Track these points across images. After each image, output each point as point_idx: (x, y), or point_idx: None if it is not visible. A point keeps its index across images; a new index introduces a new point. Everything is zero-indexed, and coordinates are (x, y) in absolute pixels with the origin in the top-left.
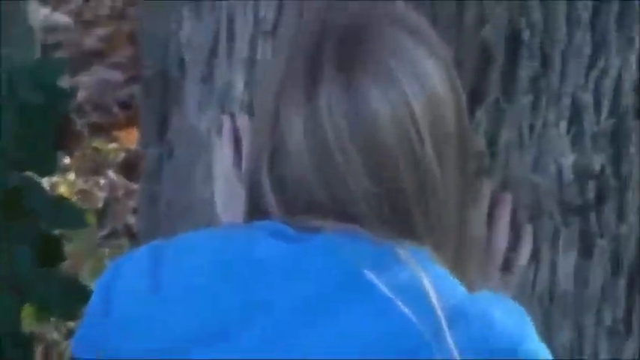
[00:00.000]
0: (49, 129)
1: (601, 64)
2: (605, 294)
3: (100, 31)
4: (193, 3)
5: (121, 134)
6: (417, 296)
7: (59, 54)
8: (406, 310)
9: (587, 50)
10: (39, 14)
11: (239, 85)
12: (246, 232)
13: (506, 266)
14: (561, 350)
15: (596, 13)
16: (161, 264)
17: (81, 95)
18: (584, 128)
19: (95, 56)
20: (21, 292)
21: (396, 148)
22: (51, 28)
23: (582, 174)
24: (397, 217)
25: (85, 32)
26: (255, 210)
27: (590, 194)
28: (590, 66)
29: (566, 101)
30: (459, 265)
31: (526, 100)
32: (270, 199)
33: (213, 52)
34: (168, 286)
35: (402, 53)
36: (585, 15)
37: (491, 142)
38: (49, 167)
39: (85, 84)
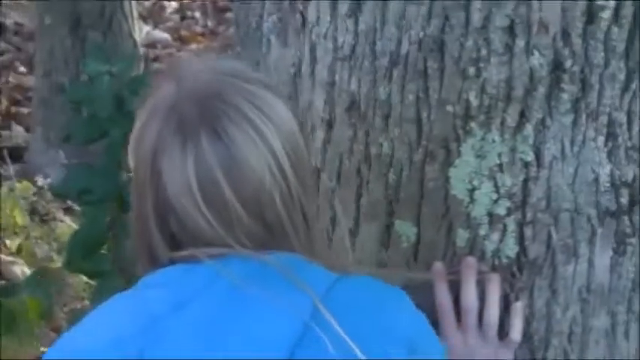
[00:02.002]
0: None
1: (633, 87)
2: (635, 285)
3: (195, 47)
4: (280, 30)
5: None
6: (292, 293)
7: (158, 67)
8: (284, 306)
9: (622, 76)
10: (142, 31)
11: (319, 104)
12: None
13: (502, 336)
14: (598, 333)
15: (629, 43)
16: None
17: None
18: (619, 143)
19: None
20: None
21: (266, 182)
22: (151, 44)
23: (617, 182)
24: (272, 237)
25: (181, 47)
26: (146, 252)
27: (624, 200)
28: (624, 89)
29: (603, 119)
30: (332, 256)
31: (568, 118)
32: (158, 240)
33: (297, 74)
34: None
35: (260, 105)
36: (620, 45)
37: (538, 154)
38: None
39: None
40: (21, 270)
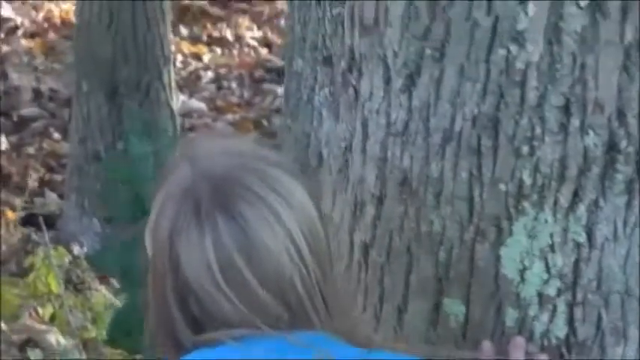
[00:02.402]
0: None
1: None
2: None
3: (230, 117)
4: (332, 104)
5: None
6: None
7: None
8: None
9: None
10: (178, 100)
11: (370, 180)
12: None
13: None
14: None
15: None
16: None
17: None
18: None
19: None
20: None
21: (285, 263)
22: (187, 113)
23: None
24: (293, 317)
25: (217, 117)
26: (170, 339)
27: None
28: None
29: None
30: (358, 332)
31: (622, 199)
32: (181, 325)
33: (348, 149)
34: None
35: (275, 187)
36: None
37: (590, 235)
38: None
39: None
40: (55, 339)
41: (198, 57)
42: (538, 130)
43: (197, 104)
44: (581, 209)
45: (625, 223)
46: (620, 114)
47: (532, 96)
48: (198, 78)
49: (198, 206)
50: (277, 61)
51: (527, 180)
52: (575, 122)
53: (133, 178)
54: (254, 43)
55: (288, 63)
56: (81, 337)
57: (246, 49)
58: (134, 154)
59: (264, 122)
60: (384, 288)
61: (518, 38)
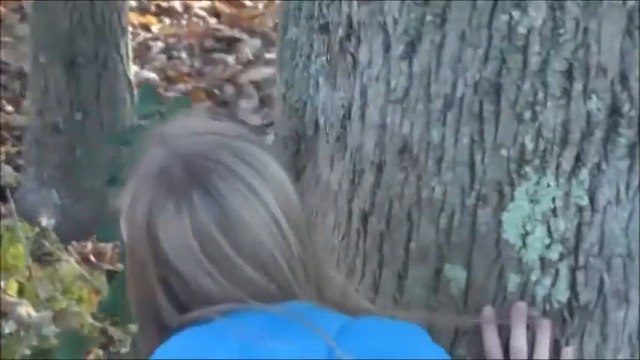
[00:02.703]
0: None
1: None
2: None
3: (182, 87)
4: (329, 72)
5: None
6: (305, 340)
7: None
8: (298, 353)
9: None
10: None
11: (369, 147)
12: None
13: None
14: None
15: None
16: None
17: None
18: None
19: None
20: None
21: (263, 235)
22: (139, 83)
23: None
24: (277, 288)
25: (168, 87)
26: (154, 324)
27: None
28: None
29: None
30: (347, 302)
31: (624, 163)
32: (167, 308)
33: (346, 116)
34: None
35: (249, 161)
36: None
37: (592, 199)
38: None
39: None
40: (26, 311)
41: (147, 28)
42: (540, 95)
43: (148, 74)
44: (584, 173)
45: (627, 187)
46: (623, 78)
47: (534, 61)
48: (148, 48)
49: (173, 185)
50: (226, 31)
51: (530, 145)
52: (577, 87)
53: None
54: (202, 13)
55: (281, 31)
56: (52, 309)
57: (194, 19)
58: (141, 113)
59: (217, 92)
60: (384, 255)
61: (521, 4)
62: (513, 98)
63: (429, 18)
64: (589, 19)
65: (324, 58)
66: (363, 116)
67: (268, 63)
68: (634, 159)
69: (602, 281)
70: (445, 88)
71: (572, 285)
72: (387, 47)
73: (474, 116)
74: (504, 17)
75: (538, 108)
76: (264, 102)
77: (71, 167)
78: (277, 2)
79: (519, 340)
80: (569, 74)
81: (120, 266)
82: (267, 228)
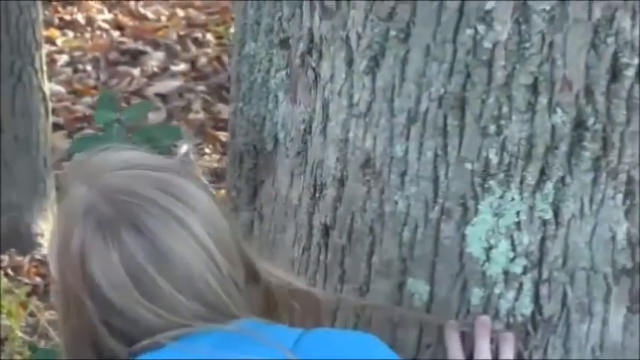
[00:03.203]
0: None
1: None
2: None
3: (89, 99)
4: (289, 86)
5: None
6: (263, 352)
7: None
8: None
9: None
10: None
11: (330, 162)
12: None
13: None
14: None
15: None
16: None
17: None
18: (636, 201)
19: (87, 121)
20: None
21: (196, 267)
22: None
23: (633, 240)
24: (214, 311)
25: (75, 101)
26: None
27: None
28: None
29: (622, 177)
30: (273, 314)
31: (588, 177)
32: (114, 344)
33: (307, 131)
34: None
35: (176, 194)
36: None
37: (557, 212)
38: None
39: None
40: None
41: (51, 41)
42: (505, 109)
43: (55, 88)
44: (548, 187)
45: (591, 200)
46: (588, 92)
47: (500, 75)
48: (54, 62)
49: (101, 223)
50: (130, 43)
51: (494, 159)
52: (542, 100)
53: None
54: (105, 25)
55: (239, 46)
56: None
57: (98, 32)
58: (101, 122)
59: (124, 104)
60: (345, 270)
61: (486, 18)
62: (478, 112)
63: (392, 33)
64: (554, 33)
65: (284, 73)
66: (324, 130)
67: (174, 75)
68: (598, 172)
69: (565, 294)
70: (409, 103)
71: (536, 298)
72: (349, 62)
73: (438, 130)
74: (469, 31)
75: (503, 122)
76: (171, 114)
77: None
78: (180, 16)
79: (483, 353)
80: (534, 88)
81: (38, 280)
82: (198, 258)
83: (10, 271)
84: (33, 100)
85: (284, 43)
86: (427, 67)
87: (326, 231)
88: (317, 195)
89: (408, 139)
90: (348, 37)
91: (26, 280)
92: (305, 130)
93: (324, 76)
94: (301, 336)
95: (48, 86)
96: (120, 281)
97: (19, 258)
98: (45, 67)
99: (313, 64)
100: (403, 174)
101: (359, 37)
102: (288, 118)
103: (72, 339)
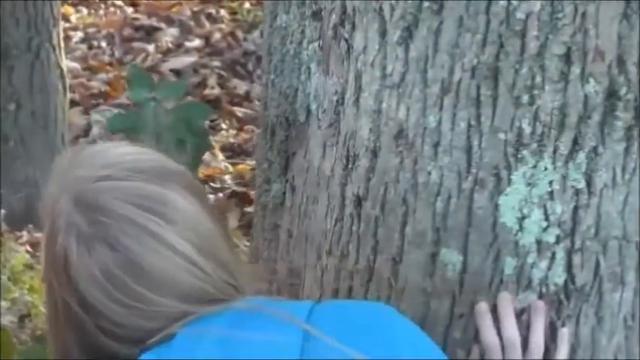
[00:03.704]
0: (198, 164)
1: None
2: None
3: (104, 76)
4: (321, 58)
5: None
6: (278, 327)
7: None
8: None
9: None
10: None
11: (363, 133)
12: None
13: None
14: None
15: None
16: None
17: (94, 131)
18: None
19: (102, 97)
20: None
21: (180, 276)
22: None
23: None
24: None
25: (91, 77)
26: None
27: None
28: None
29: None
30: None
31: (620, 146)
32: (116, 346)
33: (339, 102)
34: None
35: (153, 207)
36: None
37: (589, 182)
38: None
39: (97, 121)
40: None
41: (65, 18)
42: (538, 79)
43: (71, 64)
44: (581, 156)
45: (624, 170)
46: (620, 61)
47: (532, 45)
48: (68, 38)
49: (80, 238)
50: (145, 20)
51: (527, 128)
52: (575, 70)
53: (133, 129)
54: (119, 2)
55: (270, 18)
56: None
57: (112, 9)
58: (135, 100)
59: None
60: (378, 240)
61: None
62: (511, 82)
63: (426, 4)
64: (587, 4)
65: (316, 45)
66: (357, 102)
67: (188, 51)
68: (630, 142)
69: (597, 264)
70: (442, 73)
71: (569, 267)
72: (383, 33)
73: (471, 101)
74: (502, 2)
75: (536, 92)
76: (186, 91)
77: (4, 157)
78: None
79: (510, 329)
80: (567, 58)
81: None
82: (177, 266)
83: (28, 248)
84: (51, 76)
85: (316, 15)
86: (460, 38)
87: (359, 202)
88: (349, 166)
89: (441, 109)
90: (381, 9)
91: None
92: (337, 101)
93: (356, 48)
94: (313, 308)
95: (65, 63)
96: (102, 290)
97: (37, 234)
98: (62, 44)
99: (346, 36)
100: (436, 144)
101: (392, 9)
102: (320, 90)
103: (62, 342)
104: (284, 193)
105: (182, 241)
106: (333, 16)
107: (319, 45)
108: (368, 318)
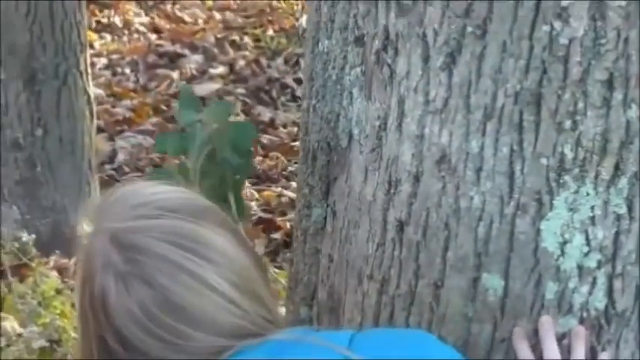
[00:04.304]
0: (242, 185)
1: None
2: None
3: (128, 102)
4: (364, 83)
5: None
6: (319, 354)
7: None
8: None
9: None
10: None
11: (406, 158)
12: None
13: None
14: None
15: None
16: None
17: (120, 157)
18: None
19: (127, 123)
20: None
21: (217, 315)
22: None
23: None
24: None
25: (115, 104)
26: None
27: None
28: None
29: None
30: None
31: None
32: None
33: (382, 127)
34: None
35: (192, 247)
36: None
37: (630, 207)
38: None
39: (122, 147)
40: (11, 326)
41: (89, 44)
42: (581, 105)
43: (95, 91)
44: (623, 182)
45: None
46: None
47: (575, 71)
48: (92, 65)
49: (118, 278)
50: (168, 46)
51: (569, 154)
52: (617, 96)
53: (182, 150)
54: (142, 28)
55: (312, 43)
56: (35, 323)
57: (135, 35)
58: (184, 122)
59: (163, 107)
60: (420, 265)
61: (562, 14)
62: (554, 108)
63: (469, 29)
64: (630, 29)
65: (358, 70)
66: (399, 127)
67: (212, 78)
68: None
69: (638, 289)
70: (485, 99)
71: (610, 292)
72: (426, 58)
73: (514, 126)
74: (545, 28)
75: (578, 117)
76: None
77: (32, 183)
78: (217, 19)
79: (552, 354)
80: (609, 84)
81: None
82: (215, 304)
83: (56, 273)
84: (78, 102)
85: (359, 41)
86: (503, 63)
87: (401, 227)
88: (392, 191)
89: (484, 134)
90: (424, 34)
91: (72, 282)
92: (380, 126)
93: (399, 73)
94: (354, 336)
95: (92, 89)
96: (140, 327)
97: (64, 260)
98: (89, 70)
99: (389, 61)
100: (479, 170)
101: (435, 34)
102: (362, 115)
103: None
104: (325, 218)
105: (220, 280)
106: (376, 41)
107: (362, 70)
108: (409, 346)
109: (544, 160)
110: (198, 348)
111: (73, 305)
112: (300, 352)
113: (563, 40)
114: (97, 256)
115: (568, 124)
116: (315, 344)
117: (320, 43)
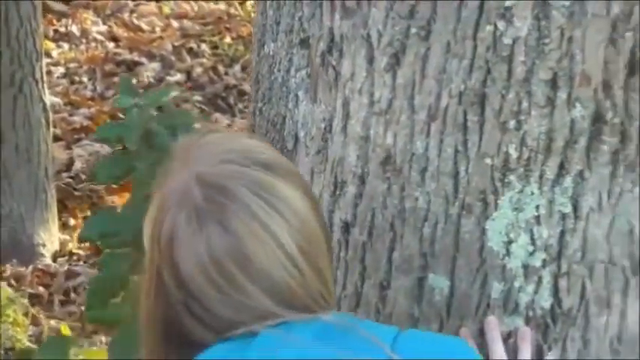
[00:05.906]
0: None
1: None
2: None
3: (85, 111)
4: (309, 86)
5: (115, 199)
6: (364, 347)
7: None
8: None
9: None
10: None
11: (351, 159)
12: None
13: None
14: None
15: None
16: None
17: (77, 165)
18: None
19: (84, 132)
20: None
21: (278, 274)
22: None
23: None
24: (294, 311)
25: (73, 112)
26: (174, 340)
27: None
28: None
29: None
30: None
31: (606, 170)
32: (192, 327)
33: (327, 129)
34: None
35: (268, 198)
36: None
37: (575, 206)
38: None
39: (80, 156)
40: None
41: (47, 53)
42: (525, 104)
43: (52, 99)
44: (567, 181)
45: (610, 194)
46: (606, 86)
47: (519, 71)
48: (50, 73)
49: (193, 214)
50: (126, 55)
51: (514, 153)
52: (562, 95)
53: (118, 136)
54: (100, 37)
55: (258, 46)
56: None
57: (93, 44)
58: (120, 106)
59: (121, 115)
60: (366, 266)
61: (506, 14)
62: (498, 108)
63: (413, 30)
64: (574, 29)
65: (304, 72)
66: (345, 128)
67: (169, 86)
68: (616, 166)
69: (584, 287)
70: (429, 99)
71: (555, 291)
72: (370, 60)
73: (459, 126)
74: (489, 28)
75: (522, 117)
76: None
77: None
78: (175, 27)
79: (498, 353)
80: (553, 83)
81: (41, 289)
82: (280, 265)
83: (12, 281)
84: (34, 110)
85: (304, 43)
86: (447, 64)
87: (346, 228)
88: (337, 192)
89: (428, 135)
90: (369, 36)
91: (29, 290)
92: (325, 128)
93: (344, 75)
94: (398, 335)
95: (48, 97)
96: (201, 269)
97: (20, 268)
98: (45, 78)
99: (334, 63)
100: (424, 170)
101: (380, 35)
102: (308, 117)
103: (148, 316)
104: None
105: (287, 236)
106: (321, 43)
107: (307, 73)
108: (446, 352)
109: (488, 160)
110: (250, 307)
111: (25, 314)
112: (346, 342)
113: (507, 40)
114: (177, 190)
115: (512, 123)
116: (362, 337)
117: (266, 46)
